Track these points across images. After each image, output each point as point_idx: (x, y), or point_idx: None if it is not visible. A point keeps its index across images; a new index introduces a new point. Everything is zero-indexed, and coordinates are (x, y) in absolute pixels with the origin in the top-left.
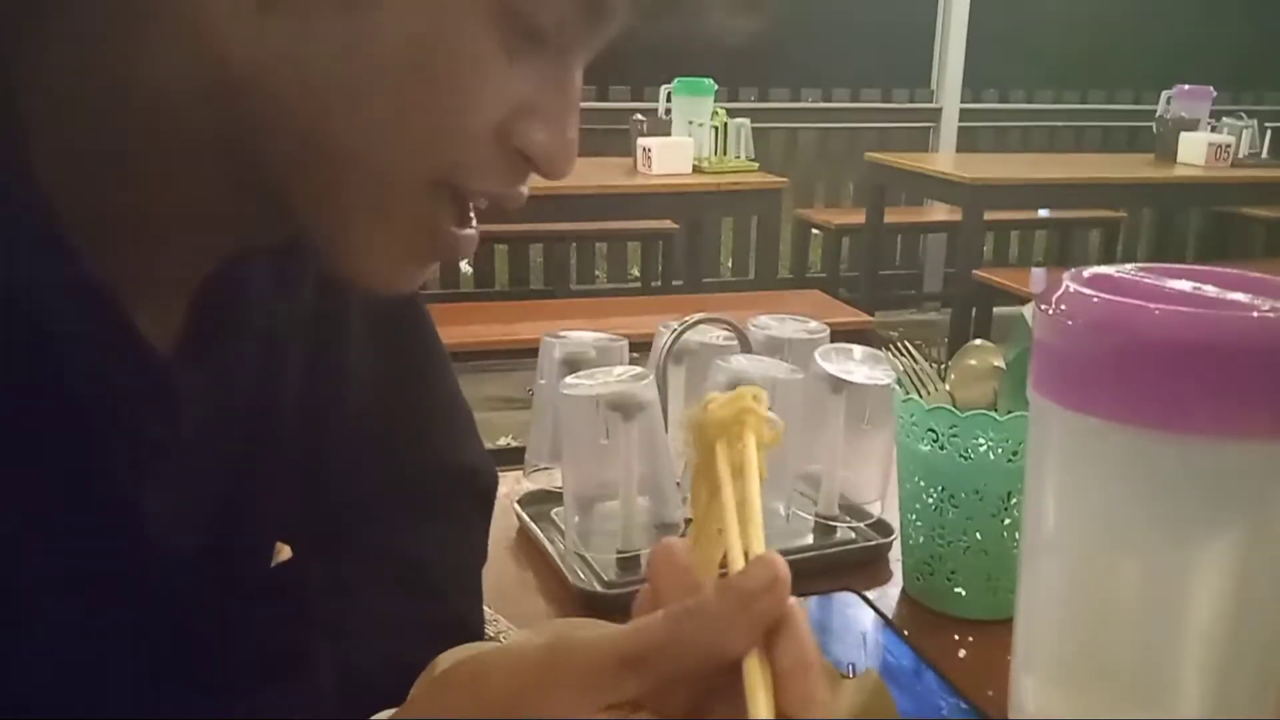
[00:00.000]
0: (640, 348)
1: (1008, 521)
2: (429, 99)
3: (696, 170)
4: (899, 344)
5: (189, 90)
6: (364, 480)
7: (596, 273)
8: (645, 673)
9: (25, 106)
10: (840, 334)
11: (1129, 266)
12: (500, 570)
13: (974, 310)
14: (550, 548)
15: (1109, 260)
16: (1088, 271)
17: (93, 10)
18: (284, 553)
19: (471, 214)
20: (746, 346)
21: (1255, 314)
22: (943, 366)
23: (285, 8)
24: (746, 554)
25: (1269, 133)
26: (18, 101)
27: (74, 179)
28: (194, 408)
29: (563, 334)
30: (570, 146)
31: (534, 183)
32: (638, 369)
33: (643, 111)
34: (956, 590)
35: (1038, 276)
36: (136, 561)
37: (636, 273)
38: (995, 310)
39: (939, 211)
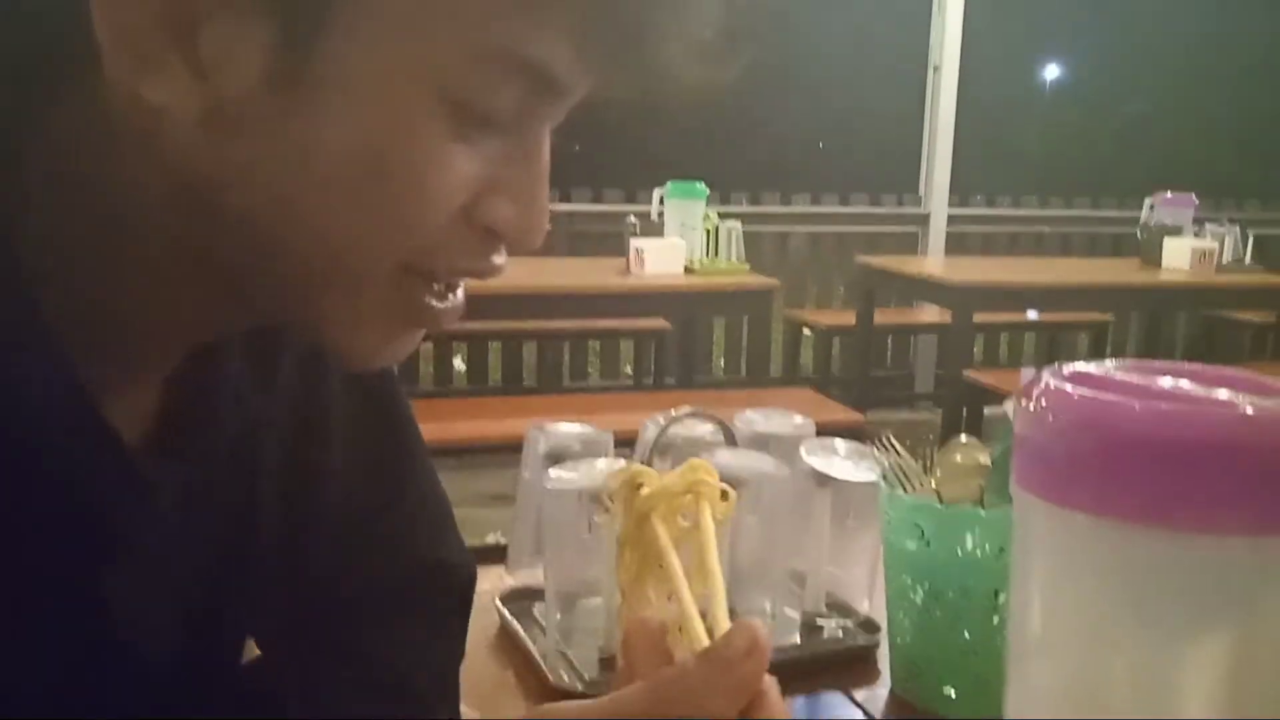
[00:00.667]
0: (629, 442)
1: (997, 620)
2: (386, 196)
3: (688, 271)
4: (885, 439)
5: (154, 196)
6: (339, 578)
7: (589, 370)
8: None
9: (10, 207)
10: (831, 432)
11: (1109, 363)
12: (480, 668)
13: (964, 410)
14: (531, 646)
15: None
16: (1068, 367)
17: (68, 120)
18: (253, 650)
19: (456, 286)
20: (732, 441)
21: (1238, 410)
22: (929, 463)
23: (234, 117)
24: (706, 623)
25: (1251, 238)
26: (4, 203)
27: (52, 275)
28: (165, 500)
29: (547, 427)
30: (539, 217)
31: (525, 282)
32: (622, 462)
33: (636, 214)
34: (946, 690)
35: (1027, 377)
36: (104, 659)
37: (629, 370)
38: (985, 410)
39: (929, 313)
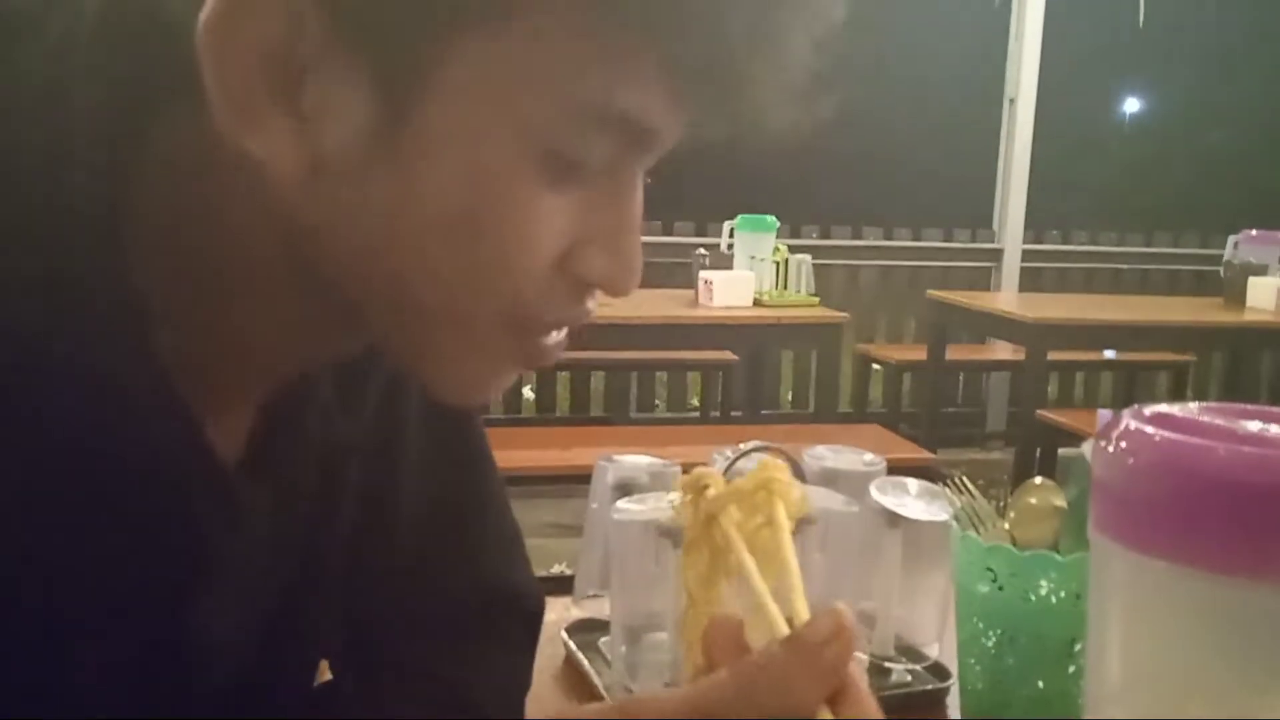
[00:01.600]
0: None
1: (1072, 669)
2: (482, 246)
3: (757, 304)
4: (957, 479)
5: (261, 236)
6: (410, 599)
7: (656, 401)
8: None
9: (128, 232)
10: (900, 470)
11: (1192, 405)
12: (544, 700)
13: (1038, 451)
14: (597, 679)
15: (1179, 403)
16: (1149, 409)
17: (179, 162)
18: (328, 673)
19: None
20: (801, 477)
21: None
22: (1003, 505)
23: (334, 171)
24: (785, 615)
25: None
26: (122, 226)
27: (165, 308)
28: (254, 520)
29: (616, 458)
30: (631, 266)
31: (595, 312)
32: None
33: (705, 246)
34: None
35: (1104, 419)
36: (183, 673)
37: (696, 402)
38: (1060, 451)
39: (1002, 350)
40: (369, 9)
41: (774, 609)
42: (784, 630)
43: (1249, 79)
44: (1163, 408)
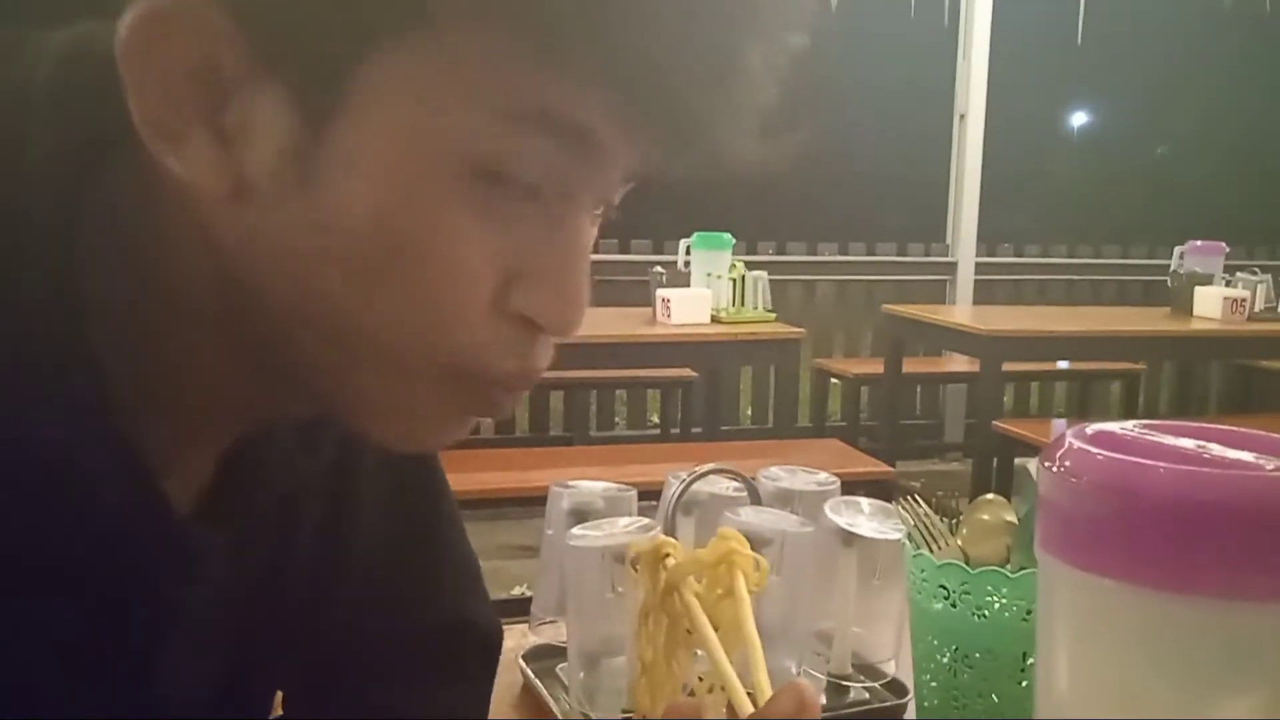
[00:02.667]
0: (655, 493)
1: (1025, 684)
2: (406, 274)
3: (715, 320)
4: (910, 497)
5: (200, 274)
6: (366, 637)
7: (616, 419)
8: None
9: (80, 283)
10: (860, 484)
11: (1131, 423)
12: None
13: (995, 461)
14: (554, 706)
15: (1131, 412)
16: (1091, 428)
17: (121, 197)
18: (279, 708)
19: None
20: (756, 498)
21: (1262, 473)
22: (955, 521)
23: (258, 193)
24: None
25: None
26: (75, 277)
27: (114, 348)
28: (210, 568)
29: (571, 484)
30: (572, 301)
31: (548, 360)
32: (645, 520)
33: (662, 264)
34: None
35: (1059, 429)
36: (139, 716)
37: (656, 419)
38: (1017, 461)
39: (958, 362)
40: (286, 26)
41: (737, 684)
42: (747, 706)
43: (1193, 95)
44: (1104, 426)
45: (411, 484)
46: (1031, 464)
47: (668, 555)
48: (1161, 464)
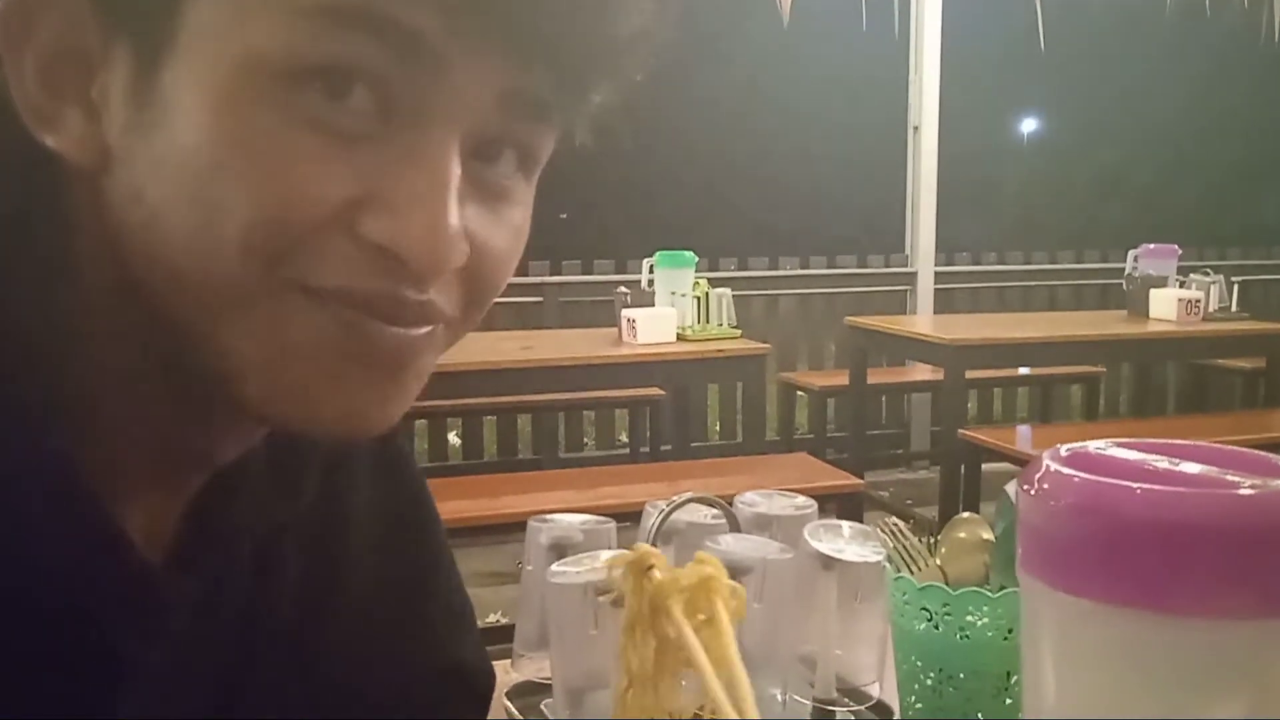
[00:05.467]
0: (630, 515)
1: (1009, 702)
2: (252, 199)
3: (680, 339)
4: (887, 524)
5: (107, 282)
6: (355, 681)
7: (585, 440)
8: None
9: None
10: (831, 497)
11: (1104, 441)
12: None
13: (963, 468)
14: None
15: (1093, 414)
16: (1065, 449)
17: (40, 206)
18: None
19: (400, 316)
20: (735, 524)
21: (1237, 492)
22: (933, 540)
23: (123, 155)
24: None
25: (1236, 287)
26: (45, 318)
27: (73, 397)
28: (180, 619)
29: (549, 518)
30: (427, 232)
31: (518, 355)
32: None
33: (626, 284)
34: None
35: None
36: None
37: (625, 439)
38: (984, 467)
39: (921, 371)
40: None
41: (729, 708)
42: None
43: (1140, 101)
44: (1079, 446)
45: (404, 527)
46: (1010, 486)
47: (651, 566)
48: (1138, 485)
